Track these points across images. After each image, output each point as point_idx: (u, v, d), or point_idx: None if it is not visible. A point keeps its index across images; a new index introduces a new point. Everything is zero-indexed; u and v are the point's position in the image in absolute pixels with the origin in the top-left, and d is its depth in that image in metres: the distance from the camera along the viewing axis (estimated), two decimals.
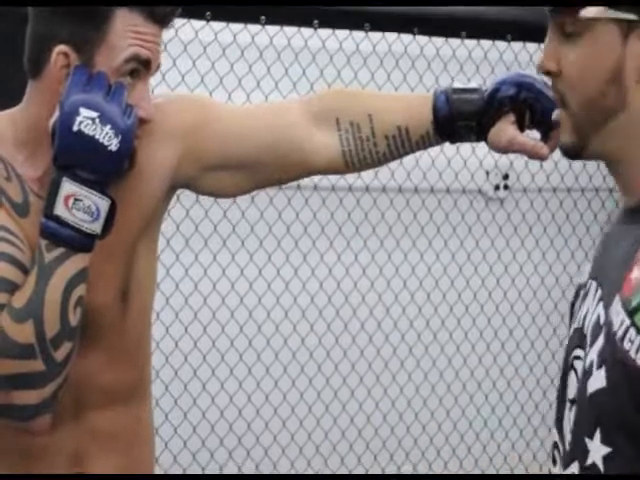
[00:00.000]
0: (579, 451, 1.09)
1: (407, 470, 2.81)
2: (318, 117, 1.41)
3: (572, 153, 1.12)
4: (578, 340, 1.14)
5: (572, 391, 1.13)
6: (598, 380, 1.07)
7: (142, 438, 1.45)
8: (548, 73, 1.10)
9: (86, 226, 1.28)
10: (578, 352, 1.14)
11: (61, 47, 1.31)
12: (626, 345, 1.03)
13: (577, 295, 1.19)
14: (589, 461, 1.07)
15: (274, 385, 2.65)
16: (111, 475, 1.40)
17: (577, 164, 2.99)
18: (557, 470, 1.15)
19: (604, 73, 1.09)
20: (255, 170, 1.43)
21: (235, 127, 1.42)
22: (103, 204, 1.29)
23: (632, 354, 1.02)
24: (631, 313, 1.03)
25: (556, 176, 2.97)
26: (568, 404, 1.14)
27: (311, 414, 2.70)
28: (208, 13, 2.41)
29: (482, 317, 2.90)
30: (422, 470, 2.80)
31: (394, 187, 2.77)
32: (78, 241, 1.28)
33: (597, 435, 1.06)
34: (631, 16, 1.06)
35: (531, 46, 2.86)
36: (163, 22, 1.35)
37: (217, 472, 2.56)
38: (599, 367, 1.07)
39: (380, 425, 2.79)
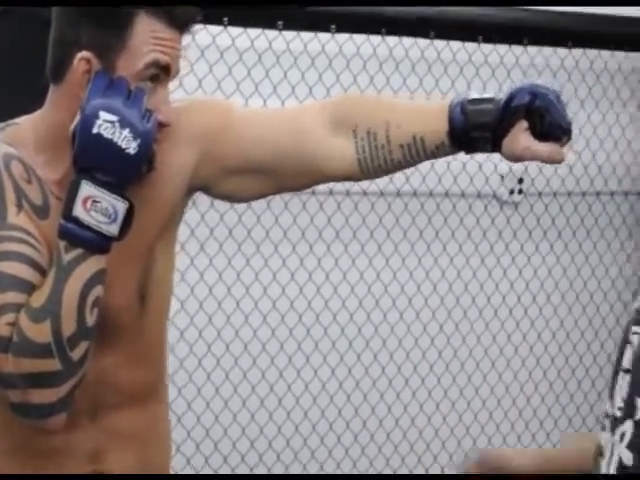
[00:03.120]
0: (631, 409, 1.23)
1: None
2: (336, 124, 1.41)
3: None
4: (637, 318, 1.27)
5: (627, 362, 1.27)
6: None
7: (158, 439, 1.47)
8: None
9: (104, 228, 1.30)
10: (635, 328, 1.28)
11: (83, 53, 1.33)
12: None
13: None
14: (637, 417, 1.22)
15: (287, 389, 2.66)
16: (121, 475, 1.42)
17: (592, 167, 2.99)
18: (605, 435, 1.29)
19: None
20: (272, 176, 1.44)
21: (254, 132, 1.43)
22: (121, 206, 1.30)
23: None
24: None
25: (571, 180, 2.97)
26: (622, 373, 1.27)
27: (307, 419, 2.71)
28: (225, 18, 2.42)
29: (496, 321, 2.90)
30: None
31: (409, 191, 2.77)
32: (96, 242, 1.30)
33: None
34: None
35: (547, 50, 2.86)
36: (183, 28, 1.37)
37: None
38: None
39: (376, 430, 2.79)
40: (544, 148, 1.37)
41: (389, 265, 2.76)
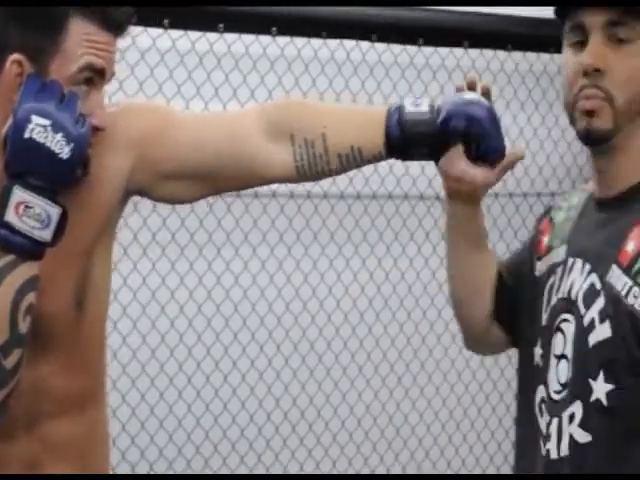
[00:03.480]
0: (581, 391, 1.32)
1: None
2: (273, 129, 1.42)
3: (605, 136, 1.35)
4: (565, 307, 1.37)
5: (559, 349, 1.37)
6: (602, 332, 1.32)
7: (96, 447, 1.45)
8: (597, 71, 1.33)
9: (36, 233, 1.28)
10: (565, 316, 1.37)
11: (15, 56, 1.31)
12: (631, 300, 1.30)
13: (554, 272, 1.42)
14: (592, 398, 1.31)
15: (232, 393, 2.65)
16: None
17: (533, 169, 3.02)
18: (543, 419, 1.38)
19: None
20: (210, 179, 1.44)
21: (191, 137, 1.43)
22: (54, 212, 1.29)
23: (637, 307, 1.29)
24: (634, 276, 1.30)
25: (512, 181, 2.98)
26: (555, 360, 1.37)
27: (270, 421, 2.70)
28: (166, 21, 2.41)
29: (440, 322, 2.91)
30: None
31: (352, 194, 2.78)
32: (28, 248, 1.28)
33: (600, 376, 1.30)
34: None
35: (488, 53, 2.89)
36: (118, 31, 1.36)
37: None
38: (602, 321, 1.32)
39: (355, 429, 2.80)
40: (480, 173, 1.41)
41: (333, 267, 2.76)
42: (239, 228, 2.63)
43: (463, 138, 1.40)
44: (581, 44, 1.36)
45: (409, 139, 1.40)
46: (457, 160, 1.42)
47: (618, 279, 1.32)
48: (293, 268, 2.70)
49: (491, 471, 2.95)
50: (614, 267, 1.32)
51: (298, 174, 1.43)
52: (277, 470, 2.70)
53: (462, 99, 1.41)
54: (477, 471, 2.94)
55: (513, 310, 1.50)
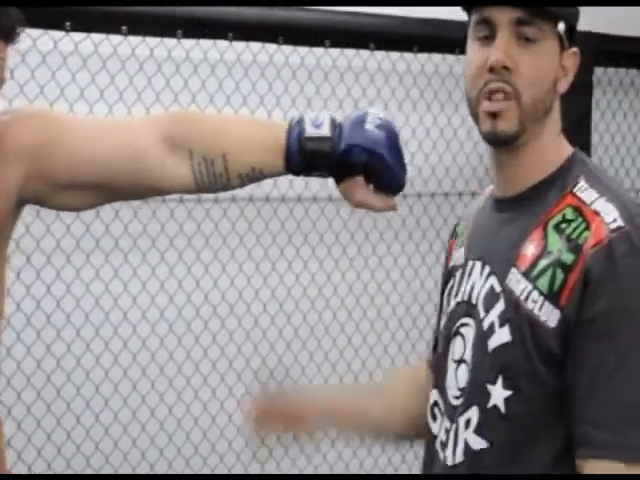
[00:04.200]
0: (478, 397, 1.30)
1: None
2: (171, 143, 1.42)
3: (510, 139, 1.33)
4: (465, 310, 1.35)
5: (458, 353, 1.35)
6: (502, 336, 1.29)
7: None
8: (505, 68, 1.31)
9: None
10: (465, 320, 1.35)
11: None
12: (530, 305, 1.27)
13: (452, 275, 1.40)
14: (490, 404, 1.29)
15: (141, 400, 2.62)
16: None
17: (440, 169, 3.05)
18: (437, 424, 1.37)
19: (551, 76, 1.33)
20: (106, 190, 1.44)
21: (86, 148, 1.42)
22: None
23: (536, 312, 1.27)
24: (533, 280, 1.28)
25: (419, 181, 3.01)
26: (453, 365, 1.35)
27: (163, 430, 2.68)
28: (68, 23, 2.36)
29: (365, 322, 2.91)
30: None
31: (277, 197, 2.77)
32: None
33: (499, 382, 1.28)
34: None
35: (393, 54, 2.91)
36: (7, 38, 1.33)
37: None
38: (502, 326, 1.29)
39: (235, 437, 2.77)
40: (378, 204, 1.45)
41: (243, 271, 2.75)
42: (146, 234, 2.59)
43: (364, 169, 1.42)
44: (487, 38, 1.33)
45: (309, 166, 1.43)
46: (357, 189, 1.44)
47: (517, 283, 1.29)
48: (202, 273, 2.67)
49: (403, 470, 2.96)
50: (513, 270, 1.30)
51: (197, 187, 1.44)
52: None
53: (364, 130, 1.41)
54: (389, 471, 2.96)
55: None
